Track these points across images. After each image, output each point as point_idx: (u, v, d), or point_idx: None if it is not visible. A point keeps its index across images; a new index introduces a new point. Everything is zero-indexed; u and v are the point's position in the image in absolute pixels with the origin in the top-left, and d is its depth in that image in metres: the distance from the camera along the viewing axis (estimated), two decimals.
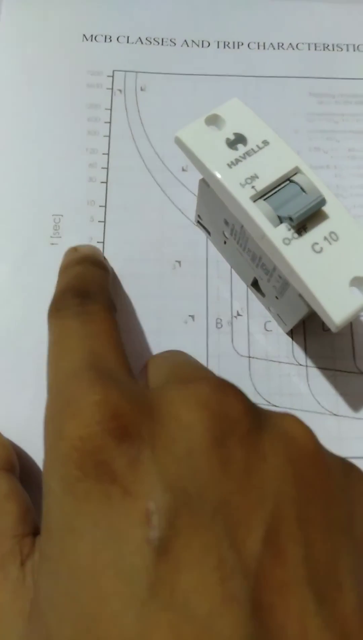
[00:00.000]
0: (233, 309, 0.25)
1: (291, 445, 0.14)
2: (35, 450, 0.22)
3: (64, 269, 0.22)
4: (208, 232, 0.25)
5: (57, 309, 0.19)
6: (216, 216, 0.23)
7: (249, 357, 0.24)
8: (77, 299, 0.19)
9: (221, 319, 0.25)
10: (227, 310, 0.25)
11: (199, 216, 0.25)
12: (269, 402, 0.23)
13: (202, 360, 0.24)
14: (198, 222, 0.25)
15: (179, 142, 0.20)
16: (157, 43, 0.29)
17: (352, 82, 0.28)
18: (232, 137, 0.20)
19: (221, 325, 0.25)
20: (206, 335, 0.24)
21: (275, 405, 0.23)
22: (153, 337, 0.24)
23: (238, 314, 0.25)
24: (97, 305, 0.19)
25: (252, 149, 0.20)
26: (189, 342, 0.24)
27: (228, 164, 0.19)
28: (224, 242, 0.24)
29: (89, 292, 0.19)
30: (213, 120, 0.20)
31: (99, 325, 0.18)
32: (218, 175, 0.19)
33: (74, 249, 0.23)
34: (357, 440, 0.23)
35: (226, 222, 0.22)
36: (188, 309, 0.25)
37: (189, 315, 0.25)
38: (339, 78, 0.28)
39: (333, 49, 0.29)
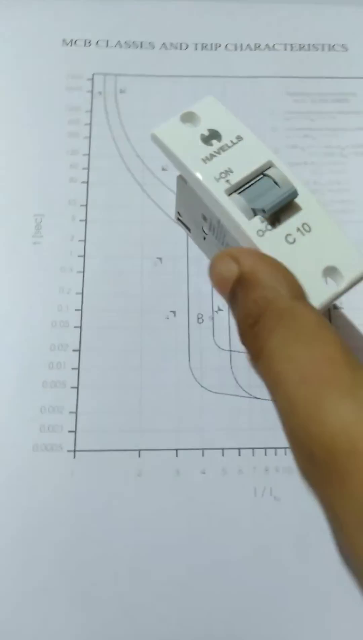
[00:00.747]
0: (214, 304, 0.25)
1: None
2: None
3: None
4: (188, 229, 0.25)
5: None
6: (195, 212, 0.23)
7: (230, 350, 0.24)
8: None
9: (202, 314, 0.25)
10: (208, 305, 0.25)
11: (178, 213, 0.25)
12: (250, 395, 0.24)
13: (184, 355, 0.24)
14: (178, 219, 0.26)
15: (155, 139, 0.21)
16: (136, 46, 0.30)
17: (328, 81, 0.29)
18: (207, 133, 0.20)
19: (203, 320, 0.25)
20: (187, 330, 0.25)
21: (257, 397, 0.24)
22: (134, 333, 0.24)
23: (219, 309, 0.25)
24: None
25: (226, 144, 0.20)
26: (171, 338, 0.24)
27: (202, 159, 0.20)
28: (204, 238, 0.24)
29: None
30: (189, 118, 0.21)
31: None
32: (193, 170, 0.20)
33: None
34: None
35: (204, 218, 0.23)
36: (169, 305, 0.25)
37: (171, 311, 0.25)
38: (315, 77, 0.29)
39: (309, 49, 0.30)
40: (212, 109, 0.21)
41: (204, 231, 0.24)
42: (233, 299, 0.18)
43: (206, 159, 0.20)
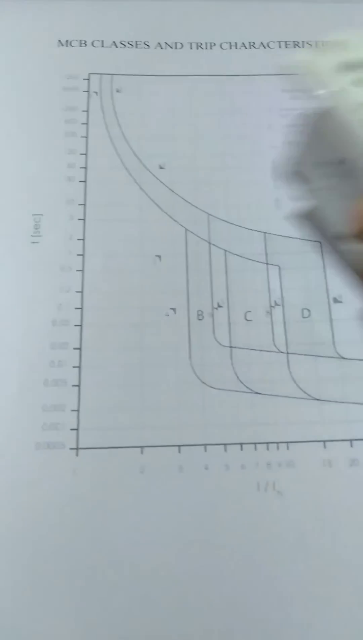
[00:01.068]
0: (214, 301, 0.25)
1: None
2: None
3: None
4: (306, 180, 0.24)
5: None
6: (329, 154, 0.22)
7: (230, 347, 0.24)
8: None
9: (202, 311, 0.25)
10: (208, 302, 0.25)
11: (297, 165, 0.24)
12: (251, 390, 0.24)
13: (184, 352, 0.24)
14: (295, 172, 0.24)
15: (301, 66, 0.20)
16: (131, 46, 0.30)
17: None
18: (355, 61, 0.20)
19: (203, 317, 0.25)
20: (187, 327, 0.25)
21: (258, 392, 0.24)
22: (134, 330, 0.24)
23: (219, 306, 0.25)
24: None
25: None
26: (171, 335, 0.24)
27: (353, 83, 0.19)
28: (328, 189, 0.23)
29: None
30: (336, 46, 0.20)
31: None
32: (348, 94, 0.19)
33: None
34: (339, 424, 0.23)
35: (342, 161, 0.21)
36: (169, 302, 0.25)
37: (171, 308, 0.25)
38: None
39: (303, 46, 0.30)
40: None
41: (332, 179, 0.23)
42: None
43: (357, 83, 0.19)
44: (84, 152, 0.27)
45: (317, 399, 0.23)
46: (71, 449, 0.23)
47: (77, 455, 0.23)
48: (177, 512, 0.22)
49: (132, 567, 0.21)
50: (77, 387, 0.24)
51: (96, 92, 0.29)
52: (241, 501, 0.22)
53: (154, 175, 0.27)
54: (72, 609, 0.21)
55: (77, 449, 0.23)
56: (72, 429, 0.23)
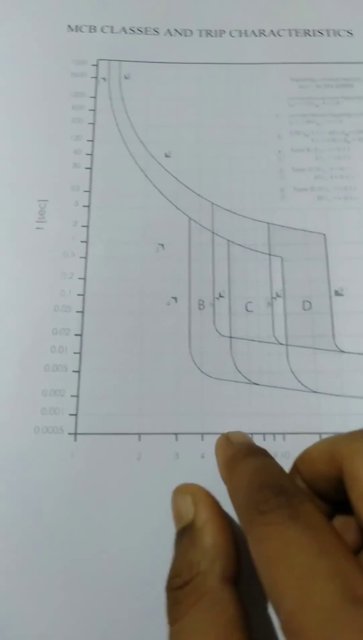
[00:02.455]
0: (215, 291, 0.25)
1: None
2: None
3: (233, 465, 0.19)
4: None
5: (261, 512, 0.16)
6: None
7: (230, 337, 0.24)
8: (281, 497, 0.16)
9: (203, 301, 0.25)
10: (209, 291, 0.25)
11: None
12: (249, 380, 0.24)
13: (184, 341, 0.24)
14: None
15: None
16: (140, 32, 0.30)
17: (332, 66, 0.29)
18: None
19: (204, 307, 0.25)
20: (188, 316, 0.25)
21: (256, 383, 0.24)
22: (135, 318, 0.25)
23: (220, 296, 0.25)
24: (307, 503, 0.15)
25: None
26: (171, 323, 0.25)
27: None
28: None
29: (287, 488, 0.16)
30: None
31: (325, 533, 0.15)
32: None
33: (226, 439, 0.21)
34: (337, 417, 0.23)
35: None
36: (170, 291, 0.25)
37: (172, 297, 0.25)
38: (320, 62, 0.29)
39: (314, 35, 0.29)
40: None
41: None
42: (178, 540, 0.19)
43: None
44: (91, 139, 0.27)
45: (315, 392, 0.23)
46: (70, 434, 0.23)
47: (75, 440, 0.23)
48: None
49: (128, 554, 0.22)
50: (77, 373, 0.24)
51: (104, 79, 0.29)
52: None
53: (159, 164, 0.27)
54: (67, 593, 0.21)
55: (75, 434, 0.23)
56: (71, 414, 0.23)
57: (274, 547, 0.15)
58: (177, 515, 0.19)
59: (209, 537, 0.18)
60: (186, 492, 0.19)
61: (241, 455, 0.19)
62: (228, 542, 0.18)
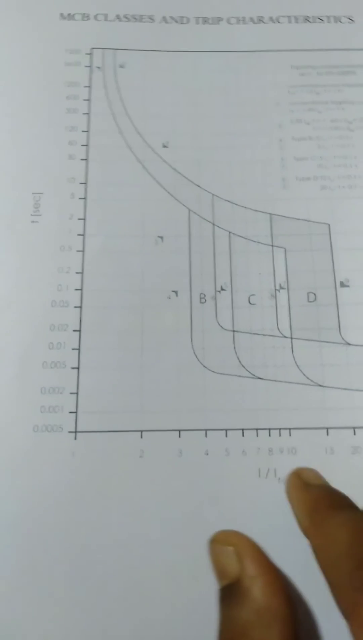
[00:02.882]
0: (217, 284, 0.24)
1: None
2: None
3: (319, 519, 0.18)
4: None
5: None
6: None
7: (233, 331, 0.24)
8: None
9: (204, 294, 0.24)
10: (211, 284, 0.24)
11: None
12: (253, 375, 0.23)
13: (186, 335, 0.24)
14: None
15: None
16: (135, 20, 0.29)
17: (333, 53, 0.28)
18: None
19: (205, 300, 0.24)
20: (189, 310, 0.24)
21: (260, 378, 0.23)
22: (135, 313, 0.24)
23: (222, 289, 0.24)
24: None
25: None
26: (172, 318, 0.24)
27: None
28: None
29: None
30: None
31: None
32: None
33: (299, 479, 0.20)
34: (342, 411, 0.23)
35: None
36: (171, 285, 0.24)
37: (173, 291, 0.24)
38: (320, 49, 0.28)
39: (314, 21, 0.29)
40: None
41: None
42: (223, 599, 0.16)
43: None
44: (86, 130, 0.27)
45: (321, 385, 0.23)
46: (70, 432, 0.22)
47: (75, 438, 0.22)
48: (176, 498, 0.22)
49: (131, 552, 0.21)
50: (76, 370, 0.23)
51: (98, 67, 0.28)
52: (241, 487, 0.22)
53: (157, 154, 0.26)
54: (70, 592, 0.21)
55: (75, 432, 0.22)
56: (70, 412, 0.23)
57: None
58: (219, 570, 0.17)
59: (262, 597, 0.16)
60: (226, 543, 0.17)
61: (325, 507, 0.18)
62: (283, 603, 0.16)
